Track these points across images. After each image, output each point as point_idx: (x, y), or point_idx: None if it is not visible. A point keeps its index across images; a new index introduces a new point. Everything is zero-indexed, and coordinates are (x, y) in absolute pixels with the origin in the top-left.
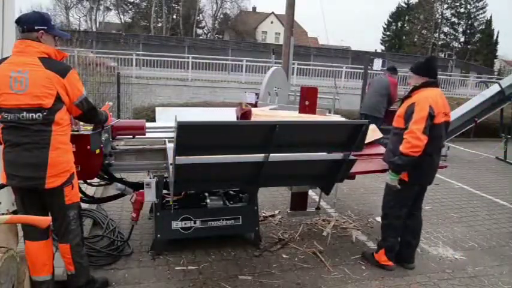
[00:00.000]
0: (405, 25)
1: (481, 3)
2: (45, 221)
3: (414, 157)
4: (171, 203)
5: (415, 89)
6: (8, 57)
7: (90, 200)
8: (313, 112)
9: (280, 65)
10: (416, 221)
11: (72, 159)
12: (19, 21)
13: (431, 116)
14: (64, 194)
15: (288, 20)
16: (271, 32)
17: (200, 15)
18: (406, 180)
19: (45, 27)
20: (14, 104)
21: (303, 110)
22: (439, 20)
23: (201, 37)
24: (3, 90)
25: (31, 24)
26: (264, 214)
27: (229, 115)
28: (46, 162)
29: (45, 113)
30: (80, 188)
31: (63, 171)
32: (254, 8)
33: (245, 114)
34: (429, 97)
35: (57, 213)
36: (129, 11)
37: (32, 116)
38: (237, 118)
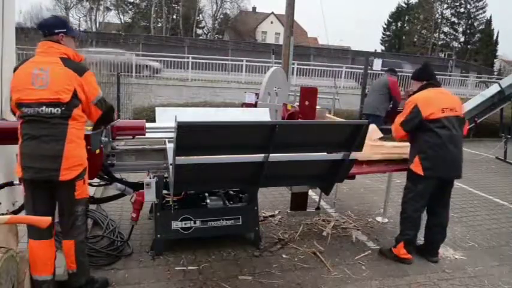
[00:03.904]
0: (405, 25)
1: (481, 3)
2: (45, 221)
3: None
4: (171, 203)
5: (415, 92)
6: (32, 57)
7: (90, 200)
8: (313, 112)
9: (280, 65)
10: (440, 218)
11: (85, 154)
12: (40, 27)
13: (415, 113)
14: (75, 187)
15: (288, 20)
16: (271, 32)
17: (200, 15)
18: (421, 174)
19: (65, 30)
20: (35, 99)
21: (302, 109)
22: (439, 20)
23: (201, 37)
24: (25, 85)
25: (51, 28)
26: (264, 214)
27: (230, 115)
28: (61, 154)
29: (63, 108)
30: None
31: (76, 165)
32: (254, 8)
33: (292, 115)
34: (419, 97)
35: (65, 207)
36: (129, 11)
37: (51, 110)
38: (283, 118)
